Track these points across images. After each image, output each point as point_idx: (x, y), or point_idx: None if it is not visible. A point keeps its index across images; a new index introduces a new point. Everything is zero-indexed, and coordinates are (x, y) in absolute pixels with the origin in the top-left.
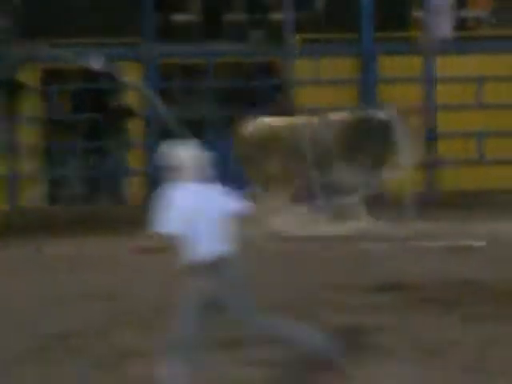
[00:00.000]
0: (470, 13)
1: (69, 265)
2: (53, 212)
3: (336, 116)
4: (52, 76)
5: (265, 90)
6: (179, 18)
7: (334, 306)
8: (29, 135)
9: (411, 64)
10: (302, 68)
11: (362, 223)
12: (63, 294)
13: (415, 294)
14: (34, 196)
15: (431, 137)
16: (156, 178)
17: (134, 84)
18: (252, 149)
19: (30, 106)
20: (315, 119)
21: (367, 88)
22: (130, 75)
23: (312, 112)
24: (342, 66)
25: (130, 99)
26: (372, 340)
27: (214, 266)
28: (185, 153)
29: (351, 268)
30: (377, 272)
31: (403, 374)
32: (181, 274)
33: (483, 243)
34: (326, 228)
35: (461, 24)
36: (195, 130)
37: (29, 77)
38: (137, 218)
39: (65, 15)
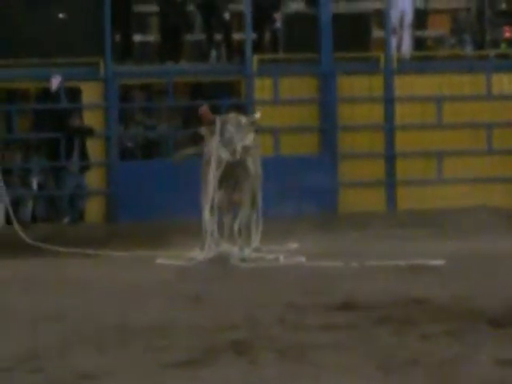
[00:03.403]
0: (429, 33)
1: (21, 286)
2: (10, 231)
3: None
4: (11, 95)
5: (225, 109)
6: (139, 37)
7: (287, 324)
8: None
9: (371, 84)
10: (261, 88)
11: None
12: (16, 316)
13: (370, 313)
14: None
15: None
16: (116, 197)
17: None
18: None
19: None
20: None
21: (327, 108)
22: (90, 95)
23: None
24: (302, 86)
25: (91, 119)
26: (330, 358)
27: None
28: None
29: (305, 287)
30: (332, 291)
31: None
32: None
33: (441, 262)
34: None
35: (420, 44)
36: (155, 149)
37: None
38: (96, 237)
39: (23, 34)
